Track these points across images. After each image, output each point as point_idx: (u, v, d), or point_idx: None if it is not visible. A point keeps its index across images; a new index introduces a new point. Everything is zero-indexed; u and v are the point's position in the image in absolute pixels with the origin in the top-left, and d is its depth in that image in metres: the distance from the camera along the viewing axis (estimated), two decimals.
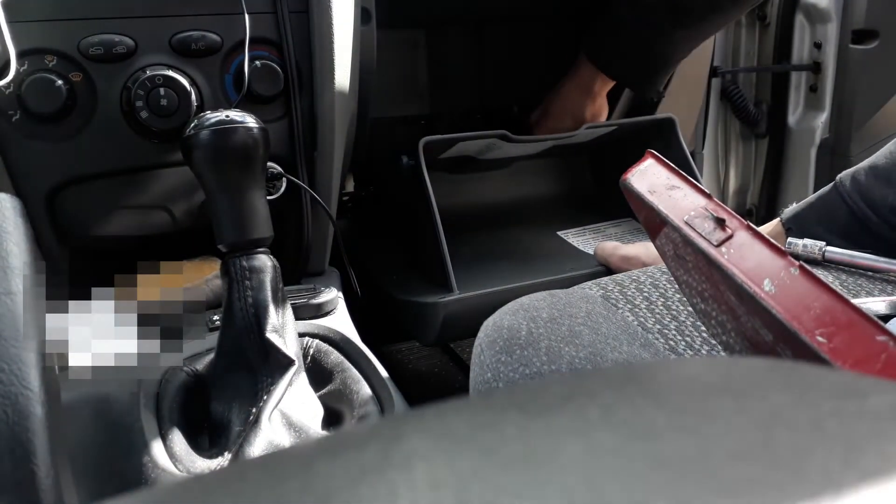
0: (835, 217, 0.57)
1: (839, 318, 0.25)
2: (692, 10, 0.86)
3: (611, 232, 1.02)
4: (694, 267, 0.32)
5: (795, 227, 0.59)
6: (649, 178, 0.32)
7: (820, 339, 0.25)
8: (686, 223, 0.30)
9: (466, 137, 0.84)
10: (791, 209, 0.61)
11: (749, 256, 0.28)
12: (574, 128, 0.94)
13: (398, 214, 0.97)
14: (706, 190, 0.31)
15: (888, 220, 0.54)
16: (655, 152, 0.34)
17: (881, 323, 0.25)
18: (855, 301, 0.26)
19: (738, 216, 0.30)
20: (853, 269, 0.56)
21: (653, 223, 0.34)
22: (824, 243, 0.57)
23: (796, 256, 0.58)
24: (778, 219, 0.61)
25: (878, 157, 0.57)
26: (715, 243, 0.29)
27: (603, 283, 0.56)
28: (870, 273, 0.55)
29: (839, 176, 0.59)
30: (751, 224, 0.29)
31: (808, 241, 0.58)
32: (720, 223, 0.29)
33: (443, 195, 0.96)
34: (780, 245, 0.28)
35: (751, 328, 0.30)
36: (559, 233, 1.00)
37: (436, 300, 0.78)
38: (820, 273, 0.56)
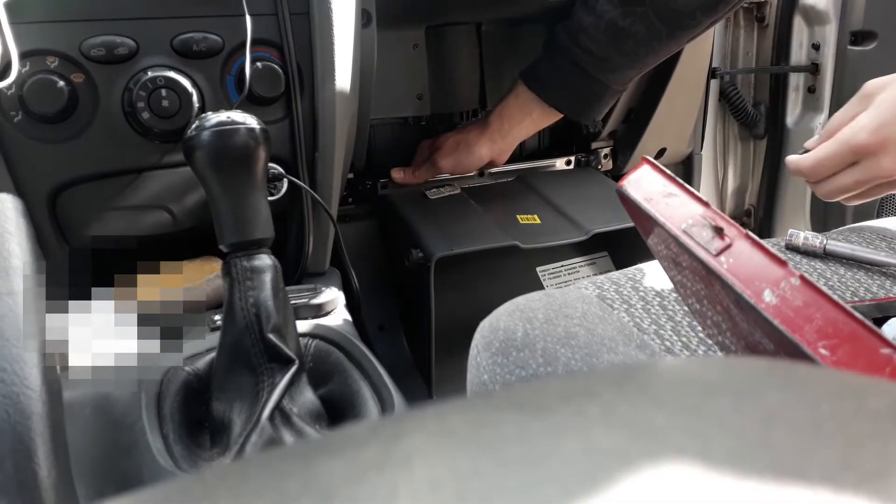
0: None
1: (842, 330, 0.25)
2: (631, 34, 0.87)
3: (585, 272, 1.07)
4: (689, 268, 0.32)
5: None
6: (645, 185, 0.32)
7: (823, 351, 0.25)
8: (684, 231, 0.30)
9: (480, 250, 0.87)
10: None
11: (749, 266, 0.28)
12: (474, 164, 0.99)
13: (400, 290, 1.02)
14: (703, 198, 0.31)
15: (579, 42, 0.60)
16: (651, 159, 0.33)
17: (884, 335, 0.25)
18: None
19: (737, 224, 0.30)
20: (852, 264, 0.56)
21: (648, 227, 0.34)
22: (824, 237, 0.58)
23: (796, 249, 0.58)
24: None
25: None
26: (713, 252, 0.29)
27: (599, 281, 0.57)
28: (868, 267, 0.56)
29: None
30: (749, 233, 0.29)
31: (808, 234, 0.58)
32: (718, 232, 0.29)
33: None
34: (779, 254, 0.28)
35: (747, 330, 0.30)
36: (538, 269, 1.05)
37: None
38: (818, 268, 0.56)
